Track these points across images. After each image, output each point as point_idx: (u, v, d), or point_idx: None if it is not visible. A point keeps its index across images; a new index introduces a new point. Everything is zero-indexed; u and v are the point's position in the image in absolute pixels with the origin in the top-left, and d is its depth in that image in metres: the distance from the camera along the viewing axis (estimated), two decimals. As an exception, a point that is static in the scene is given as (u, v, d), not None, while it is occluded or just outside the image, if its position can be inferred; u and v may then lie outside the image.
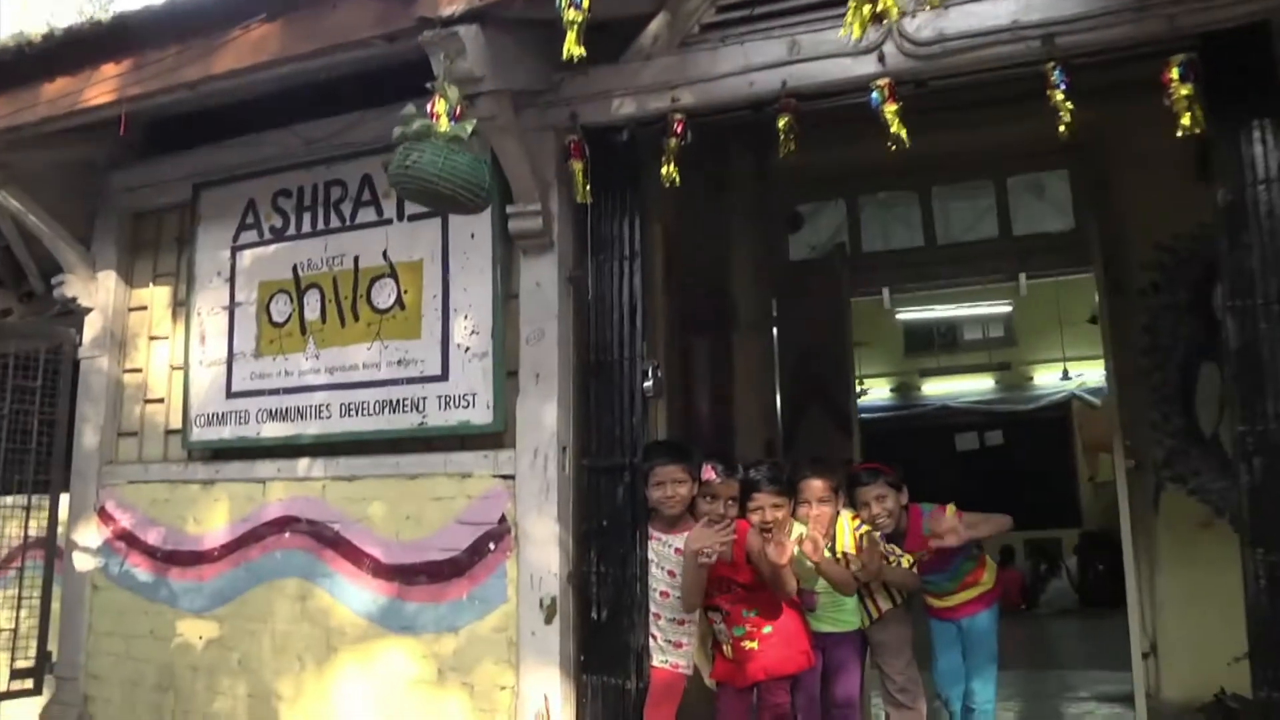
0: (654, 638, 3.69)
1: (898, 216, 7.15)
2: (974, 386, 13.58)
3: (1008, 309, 12.12)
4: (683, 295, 5.44)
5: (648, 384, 3.79)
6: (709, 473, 3.72)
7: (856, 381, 5.77)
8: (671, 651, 3.69)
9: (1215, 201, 3.55)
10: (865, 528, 3.98)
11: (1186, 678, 5.48)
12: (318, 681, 4.18)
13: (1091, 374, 13.00)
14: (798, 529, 3.87)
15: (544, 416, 3.90)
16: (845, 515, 4.06)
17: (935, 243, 6.80)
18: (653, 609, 3.69)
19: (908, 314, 12.32)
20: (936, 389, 13.66)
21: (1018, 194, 6.79)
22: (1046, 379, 13.27)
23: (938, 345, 13.68)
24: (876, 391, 13.59)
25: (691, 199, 5.94)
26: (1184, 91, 3.48)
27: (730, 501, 3.76)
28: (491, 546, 3.92)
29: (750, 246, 6.53)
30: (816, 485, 3.98)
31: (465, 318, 4.09)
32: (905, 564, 3.99)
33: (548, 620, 3.77)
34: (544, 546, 3.83)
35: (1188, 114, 3.48)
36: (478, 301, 4.08)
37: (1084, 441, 13.21)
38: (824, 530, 3.89)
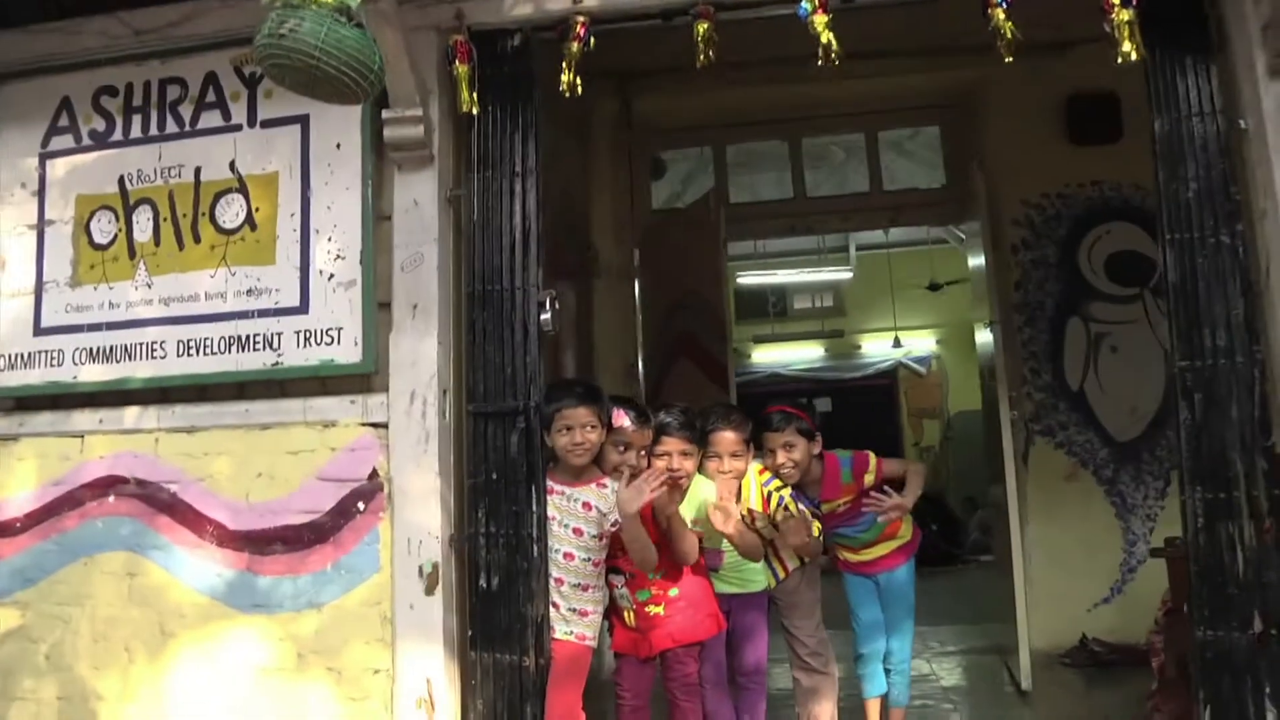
0: (555, 606, 3.15)
1: (766, 168, 6.76)
2: (805, 355, 13.49)
3: (846, 275, 12.00)
4: (550, 239, 4.89)
5: (545, 316, 3.21)
6: (621, 419, 3.20)
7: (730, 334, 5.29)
8: (576, 621, 3.15)
9: (1152, 133, 3.23)
10: (779, 493, 3.55)
11: (1050, 626, 5.36)
12: (149, 675, 3.42)
13: (920, 343, 13.15)
14: (704, 487, 3.40)
15: (422, 354, 3.28)
16: (753, 468, 3.61)
17: (805, 195, 6.43)
18: (554, 574, 3.15)
19: (746, 278, 12.05)
20: (767, 356, 13.51)
21: (888, 149, 6.50)
22: (876, 347, 13.30)
23: (771, 312, 13.49)
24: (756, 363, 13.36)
25: (557, 140, 5.40)
26: (1124, 16, 3.14)
27: (642, 453, 3.26)
28: (360, 507, 3.28)
29: (612, 193, 6.02)
30: (729, 438, 3.52)
31: (329, 240, 3.42)
32: (815, 531, 3.58)
33: (428, 591, 3.17)
34: (423, 505, 3.22)
35: (1128, 40, 3.13)
36: (344, 222, 3.42)
37: (909, 408, 13.36)
38: (733, 492, 3.43)
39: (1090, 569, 5.61)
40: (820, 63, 3.28)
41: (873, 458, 3.75)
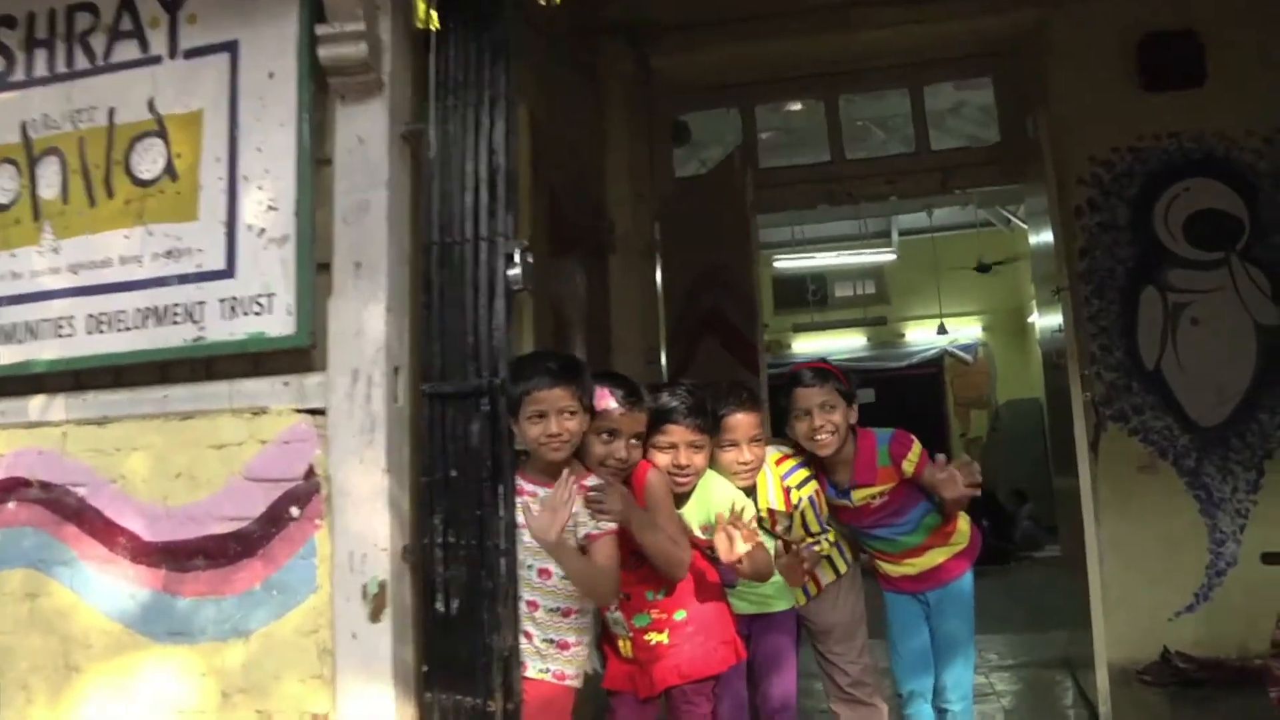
0: (528, 637, 2.42)
1: (801, 128, 5.99)
2: (846, 344, 12.69)
3: (889, 257, 11.20)
4: (551, 206, 4.19)
5: (514, 271, 2.48)
6: (606, 399, 2.48)
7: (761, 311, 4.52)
8: (554, 656, 2.44)
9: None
10: (800, 491, 2.84)
11: (1126, 636, 4.55)
12: (50, 716, 2.74)
13: (966, 330, 12.34)
14: (718, 485, 2.68)
15: (368, 324, 2.58)
16: (770, 458, 2.88)
17: (844, 157, 5.65)
18: (526, 596, 2.43)
19: (783, 262, 11.27)
20: (808, 346, 12.74)
21: (937, 105, 5.70)
22: (920, 335, 12.50)
23: (811, 301, 12.71)
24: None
25: (564, 98, 4.69)
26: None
27: (634, 441, 2.53)
28: (294, 513, 2.57)
29: (630, 159, 5.30)
30: (747, 421, 2.80)
31: (259, 189, 2.73)
32: (825, 546, 2.86)
33: (374, 616, 2.47)
34: (368, 510, 2.52)
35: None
36: (277, 166, 2.72)
37: (955, 398, 12.55)
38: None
39: (1171, 572, 4.81)
40: None
41: (916, 442, 2.99)
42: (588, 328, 4.64)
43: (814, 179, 5.65)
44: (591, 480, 2.42)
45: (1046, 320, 5.05)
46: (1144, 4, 4.97)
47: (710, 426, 2.69)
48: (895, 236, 11.69)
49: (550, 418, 2.37)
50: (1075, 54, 5.05)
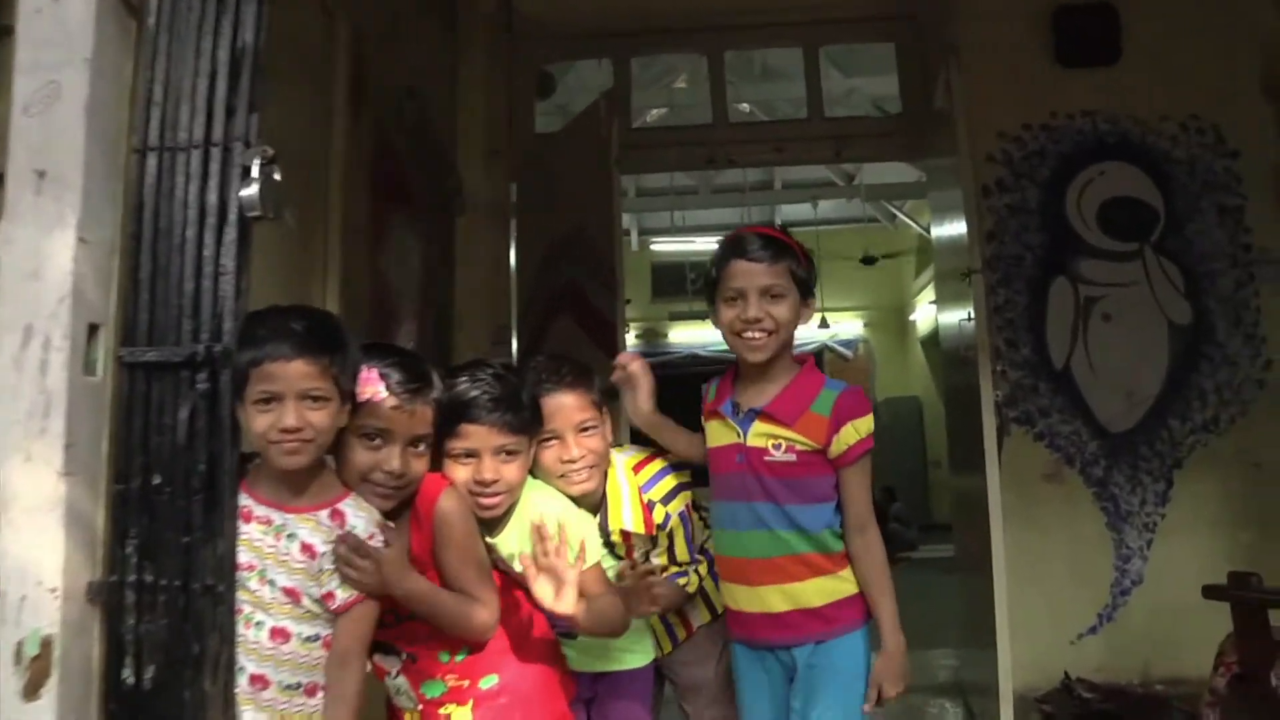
0: (246, 722, 1.63)
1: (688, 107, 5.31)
2: (725, 334, 12.13)
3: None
4: (381, 149, 3.40)
5: (251, 192, 1.67)
6: (372, 383, 1.72)
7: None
8: (288, 750, 1.65)
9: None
10: (668, 508, 2.15)
11: (1025, 660, 3.99)
12: None
13: (847, 325, 11.97)
14: (540, 499, 1.96)
15: (50, 260, 1.74)
16: (622, 460, 2.18)
17: (726, 120, 4.97)
18: (249, 666, 1.63)
19: (662, 247, 10.64)
20: (685, 336, 12.15)
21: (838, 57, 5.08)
22: (800, 329, 12.01)
23: (690, 289, 12.11)
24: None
25: (410, 27, 3.90)
26: None
27: (416, 448, 1.77)
28: (-76, 531, 1.74)
29: (486, 111, 4.54)
30: (568, 404, 2.08)
31: (-104, 63, 1.87)
32: (695, 580, 2.21)
33: (30, 691, 1.64)
34: (36, 530, 1.69)
35: None
36: (-76, 31, 1.87)
37: (835, 394, 12.15)
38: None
39: (1075, 591, 4.30)
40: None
41: (871, 418, 2.13)
42: (423, 300, 3.85)
43: (692, 141, 4.94)
44: (349, 511, 1.65)
45: (949, 312, 4.48)
46: (1060, -29, 4.46)
47: (528, 422, 1.94)
48: (779, 225, 11.22)
49: (288, 404, 1.59)
50: (985, 20, 4.49)
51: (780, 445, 2.06)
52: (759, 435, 2.08)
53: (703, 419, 2.22)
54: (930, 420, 11.36)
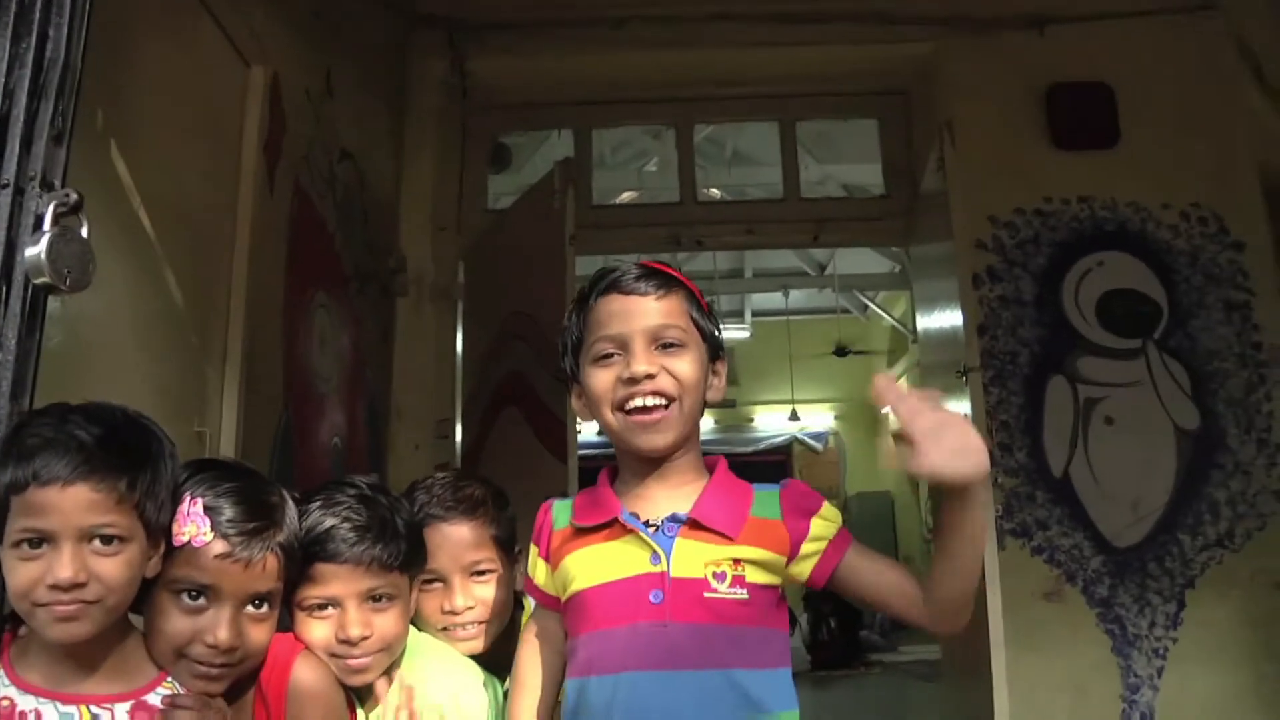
0: None
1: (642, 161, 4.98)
2: (692, 426, 11.76)
3: (743, 335, 10.39)
4: (300, 219, 2.99)
5: (34, 249, 1.18)
6: (191, 520, 1.23)
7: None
8: None
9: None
10: None
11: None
12: None
13: (818, 418, 11.60)
14: (428, 665, 1.50)
15: None
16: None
17: (695, 198, 4.60)
18: None
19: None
20: (649, 427, 11.75)
21: (812, 144, 4.76)
22: (769, 420, 11.67)
23: (652, 380, 11.75)
24: (587, 427, 11.46)
25: (349, 79, 3.54)
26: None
27: (256, 608, 1.29)
28: None
29: (434, 185, 4.16)
30: (456, 535, 1.60)
31: None
32: None
33: None
34: None
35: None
36: None
37: (805, 489, 11.77)
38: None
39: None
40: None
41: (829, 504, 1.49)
42: (352, 389, 3.40)
43: (658, 221, 4.56)
44: (162, 689, 1.19)
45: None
46: (1054, 50, 4.21)
47: (405, 556, 1.45)
48: (749, 316, 10.92)
49: (63, 546, 1.10)
50: (974, 98, 4.22)
51: (724, 575, 1.35)
52: (689, 559, 1.35)
53: (538, 557, 1.48)
54: (902, 515, 10.97)
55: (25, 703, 1.14)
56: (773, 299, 10.47)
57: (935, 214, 3.81)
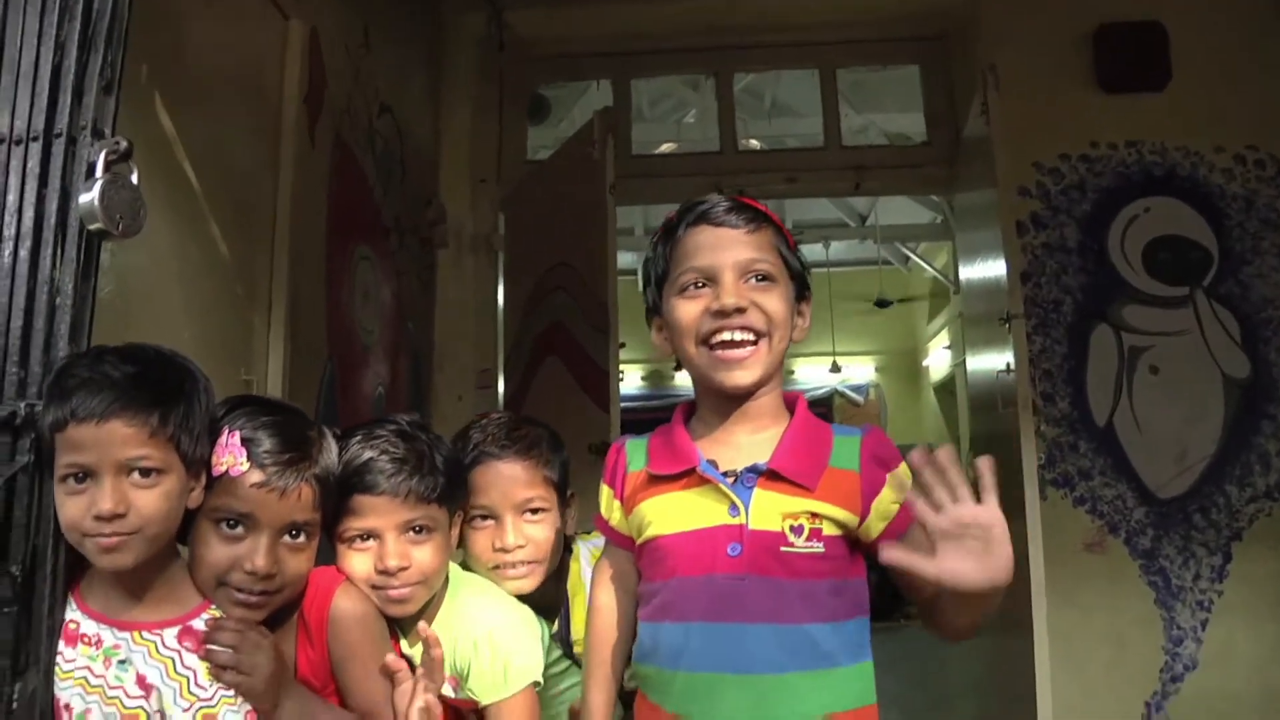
0: None
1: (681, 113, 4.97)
2: (731, 379, 11.76)
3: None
4: (341, 172, 3.02)
5: (87, 196, 1.24)
6: (230, 451, 1.28)
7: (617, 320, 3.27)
8: None
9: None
10: None
11: (1061, 752, 3.55)
12: None
13: (859, 370, 11.56)
14: (470, 601, 1.54)
15: None
16: (587, 551, 1.73)
17: (735, 147, 4.58)
18: None
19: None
20: (687, 379, 11.74)
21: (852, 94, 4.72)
22: (810, 372, 11.62)
23: (697, 330, 11.74)
24: (627, 379, 11.48)
25: (386, 34, 3.55)
26: None
27: (292, 538, 1.34)
28: None
29: (473, 137, 4.17)
30: (507, 474, 1.62)
31: None
32: None
33: None
34: None
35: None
36: None
37: (846, 442, 11.77)
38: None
39: (1119, 677, 3.84)
40: None
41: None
42: (395, 341, 3.45)
43: (699, 170, 4.55)
44: (207, 615, 1.25)
45: (980, 359, 4.07)
46: (1099, -14, 4.10)
47: (444, 490, 1.49)
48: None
49: (104, 479, 1.16)
50: (1018, 41, 4.13)
51: (801, 529, 1.33)
52: (767, 512, 1.33)
53: (612, 499, 1.49)
54: (945, 469, 10.96)
55: (88, 627, 1.22)
56: (814, 251, 10.40)
57: (978, 161, 3.77)
